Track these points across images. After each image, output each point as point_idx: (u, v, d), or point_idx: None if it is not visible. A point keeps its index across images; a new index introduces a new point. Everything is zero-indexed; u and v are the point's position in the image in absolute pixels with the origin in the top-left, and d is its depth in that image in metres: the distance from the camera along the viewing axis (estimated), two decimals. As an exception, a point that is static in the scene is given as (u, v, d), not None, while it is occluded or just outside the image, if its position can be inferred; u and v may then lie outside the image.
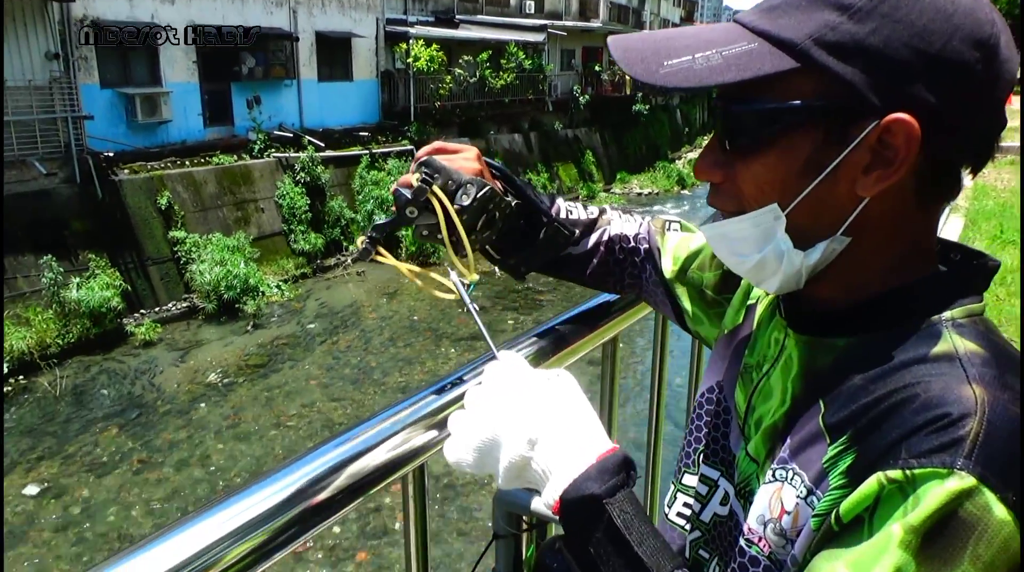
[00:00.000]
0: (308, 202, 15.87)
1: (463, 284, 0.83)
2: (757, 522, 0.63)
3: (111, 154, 13.40)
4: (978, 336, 0.59)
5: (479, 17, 23.44)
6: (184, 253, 13.49)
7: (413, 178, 0.84)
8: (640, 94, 29.11)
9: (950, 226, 7.39)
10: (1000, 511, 0.49)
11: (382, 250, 0.87)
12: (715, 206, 0.68)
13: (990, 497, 0.49)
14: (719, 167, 0.66)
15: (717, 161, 0.66)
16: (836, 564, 0.52)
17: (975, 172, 0.63)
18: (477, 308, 0.79)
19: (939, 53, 0.56)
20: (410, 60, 19.39)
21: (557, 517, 0.61)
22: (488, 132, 21.78)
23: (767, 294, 0.80)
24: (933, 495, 0.49)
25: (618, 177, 26.80)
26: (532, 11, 26.21)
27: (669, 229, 1.03)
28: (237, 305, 12.99)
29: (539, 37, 24.30)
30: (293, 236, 15.51)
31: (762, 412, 0.70)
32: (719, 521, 0.76)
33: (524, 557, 0.71)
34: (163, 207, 13.57)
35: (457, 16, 22.24)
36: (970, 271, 0.65)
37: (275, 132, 16.60)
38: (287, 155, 16.23)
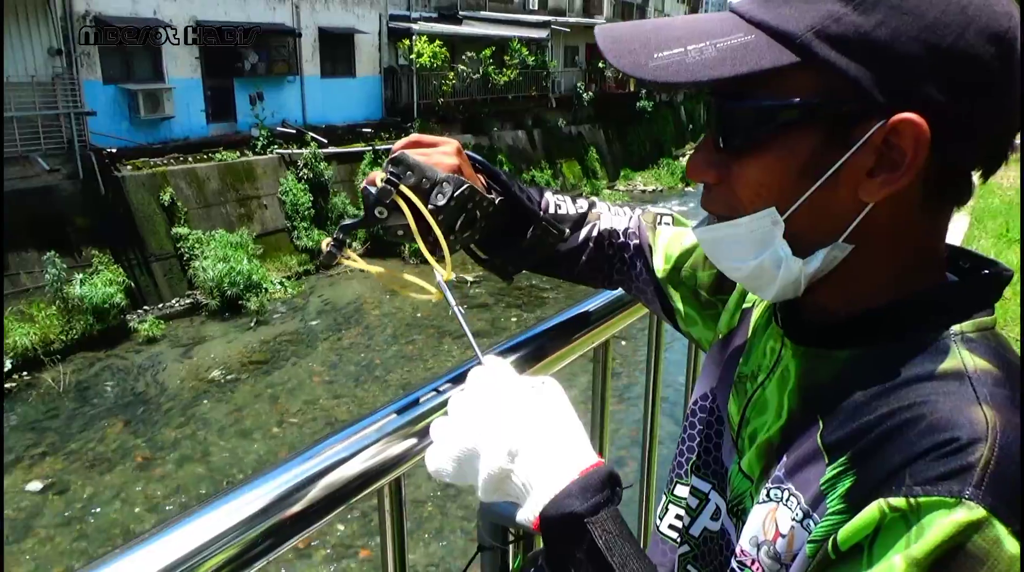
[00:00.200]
0: (311, 199, 15.88)
1: (445, 285, 0.79)
2: (750, 544, 0.60)
3: (114, 150, 13.42)
4: (989, 352, 0.55)
5: (482, 13, 23.38)
6: (187, 249, 13.51)
7: (379, 177, 0.79)
8: (644, 91, 29.04)
9: (955, 224, 7.35)
10: (1011, 545, 0.45)
11: (351, 254, 0.82)
12: (708, 209, 0.64)
13: (1000, 530, 0.45)
14: (713, 167, 0.62)
15: (711, 161, 0.62)
16: None
17: (987, 176, 0.59)
18: (463, 310, 0.75)
19: (951, 48, 0.52)
20: (413, 56, 19.37)
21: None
22: (491, 129, 21.75)
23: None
24: (939, 526, 0.46)
25: (622, 174, 26.76)
26: (535, 7, 26.15)
27: (660, 223, 0.99)
28: (240, 302, 13.00)
29: (542, 33, 24.25)
30: (296, 233, 15.52)
31: (756, 426, 0.67)
32: (709, 536, 0.73)
33: (510, 570, 0.69)
34: (166, 203, 13.58)
35: (460, 12, 22.19)
36: (981, 281, 0.61)
37: (278, 128, 16.60)
38: (290, 151, 16.23)
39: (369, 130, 18.52)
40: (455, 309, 0.75)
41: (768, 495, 0.60)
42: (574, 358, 1.08)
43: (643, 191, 25.62)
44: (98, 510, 7.81)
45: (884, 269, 0.59)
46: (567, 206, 0.98)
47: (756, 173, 0.58)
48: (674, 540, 0.78)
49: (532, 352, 0.98)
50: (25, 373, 10.51)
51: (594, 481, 0.57)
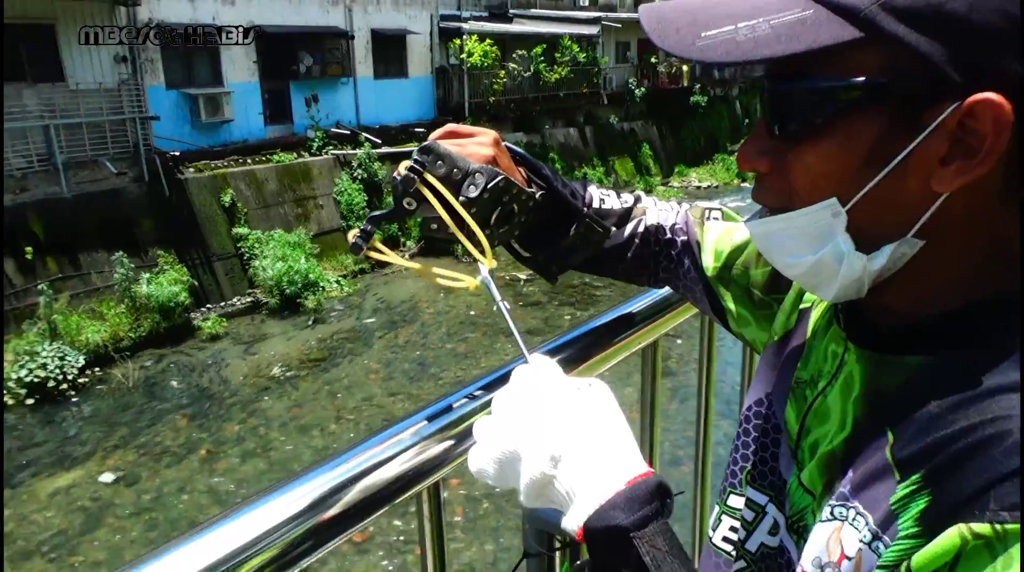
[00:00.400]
0: (365, 198, 16.11)
1: (487, 277, 0.74)
2: (812, 565, 0.55)
3: (177, 153, 13.86)
4: None
5: (533, 11, 23.35)
6: (247, 249, 13.87)
7: (404, 165, 0.75)
8: (698, 86, 28.57)
9: None
10: None
11: (378, 245, 0.79)
12: (760, 201, 0.59)
13: None
14: (766, 156, 0.57)
15: (764, 149, 0.57)
16: None
17: None
18: (508, 306, 0.70)
19: None
20: (464, 56, 19.48)
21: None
22: (543, 126, 21.71)
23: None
24: None
25: (676, 170, 26.39)
26: (586, 3, 26.00)
27: (709, 218, 0.93)
28: (298, 300, 13.28)
29: (593, 30, 24.07)
30: (351, 232, 15.78)
31: (818, 436, 0.62)
32: (767, 553, 0.68)
33: None
34: (227, 204, 13.97)
35: (511, 11, 22.21)
36: None
37: (333, 130, 16.91)
38: (345, 152, 16.51)
39: (422, 130, 18.69)
40: (500, 305, 0.71)
41: (832, 513, 0.55)
42: (621, 359, 1.04)
43: (698, 187, 25.23)
44: (166, 501, 8.09)
45: (959, 266, 0.54)
46: (612, 200, 0.94)
47: (814, 161, 0.53)
48: (728, 554, 0.74)
49: (578, 352, 0.95)
50: (97, 369, 10.95)
51: (642, 492, 0.53)
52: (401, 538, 7.23)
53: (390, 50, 18.75)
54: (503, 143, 0.84)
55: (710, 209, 0.95)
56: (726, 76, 31.61)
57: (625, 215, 0.94)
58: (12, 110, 11.84)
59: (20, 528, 7.64)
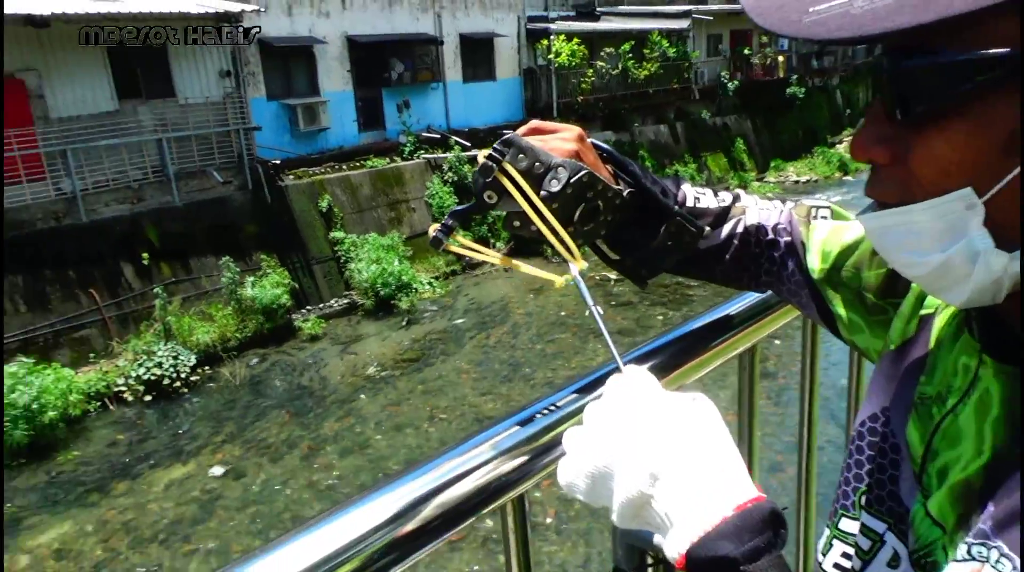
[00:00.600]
0: (456, 201, 16.35)
1: (579, 277, 0.70)
2: None
3: (277, 161, 14.49)
4: None
5: (621, 8, 23.13)
6: (344, 252, 14.35)
7: (481, 155, 0.72)
8: (795, 76, 27.52)
9: None
10: None
11: (460, 239, 0.75)
12: (875, 196, 0.52)
13: None
14: (885, 144, 0.49)
15: (882, 136, 0.49)
16: None
17: None
18: (601, 311, 0.66)
19: None
20: (551, 56, 19.48)
21: None
22: (632, 124, 21.45)
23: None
24: None
25: (772, 165, 25.51)
26: (676, -3, 25.53)
27: (816, 217, 0.84)
28: (392, 301, 13.62)
29: (683, 24, 23.60)
30: (432, 226, 16.09)
31: (948, 460, 0.55)
32: None
33: None
34: (324, 210, 14.50)
35: (598, 9, 22.05)
36: None
37: (423, 134, 17.26)
38: (435, 156, 16.82)
39: (510, 131, 18.79)
40: (592, 309, 0.66)
41: (970, 552, 0.48)
42: (717, 365, 0.98)
43: (796, 182, 24.30)
44: (270, 495, 8.46)
45: None
46: (708, 199, 0.87)
47: (944, 148, 0.46)
48: None
49: (671, 357, 0.90)
50: (207, 367, 11.57)
51: (753, 520, 0.47)
52: (495, 535, 7.28)
53: (478, 54, 18.98)
54: (588, 140, 0.80)
55: (817, 207, 0.86)
56: (825, 65, 30.31)
57: (722, 214, 0.87)
58: (129, 126, 12.71)
59: (140, 516, 8.16)
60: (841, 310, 0.79)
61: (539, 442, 0.71)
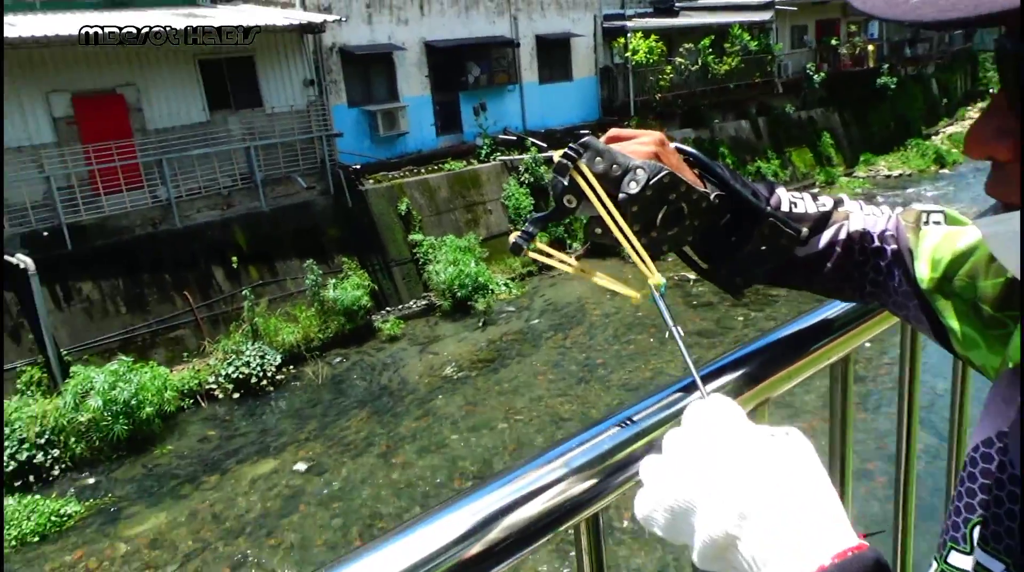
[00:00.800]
0: (532, 202, 16.37)
1: (658, 293, 0.67)
2: None
3: (358, 166, 14.86)
4: None
5: (700, 2, 22.65)
6: (422, 254, 14.58)
7: (556, 154, 0.69)
8: (886, 66, 26.31)
9: None
10: None
11: (541, 246, 0.73)
12: (997, 196, 0.47)
13: None
14: (1007, 137, 0.44)
15: (1003, 129, 0.44)
16: None
17: None
18: (681, 333, 0.62)
19: None
20: (628, 54, 19.25)
21: None
22: (712, 121, 20.96)
23: None
24: None
25: (861, 159, 24.44)
26: (758, -12, 24.80)
27: (927, 223, 0.77)
28: (469, 303, 13.75)
29: (766, 16, 22.91)
30: (513, 233, 16.15)
31: None
32: None
33: None
34: (403, 213, 14.77)
35: (676, 4, 21.66)
36: None
37: (500, 136, 17.36)
38: (511, 158, 16.88)
39: (587, 131, 18.67)
40: (673, 330, 0.62)
41: None
42: (805, 377, 0.90)
43: (887, 176, 23.20)
44: (351, 491, 8.66)
45: None
46: (805, 204, 0.81)
47: None
48: None
49: (755, 369, 0.83)
50: (291, 367, 11.97)
51: (855, 571, 0.42)
52: (569, 538, 7.22)
53: (554, 54, 18.95)
54: (672, 144, 0.76)
55: (929, 212, 0.78)
56: (919, 52, 28.82)
57: (822, 220, 0.81)
58: (219, 135, 13.30)
59: (227, 510, 8.49)
60: (954, 323, 0.72)
61: (614, 459, 0.68)
